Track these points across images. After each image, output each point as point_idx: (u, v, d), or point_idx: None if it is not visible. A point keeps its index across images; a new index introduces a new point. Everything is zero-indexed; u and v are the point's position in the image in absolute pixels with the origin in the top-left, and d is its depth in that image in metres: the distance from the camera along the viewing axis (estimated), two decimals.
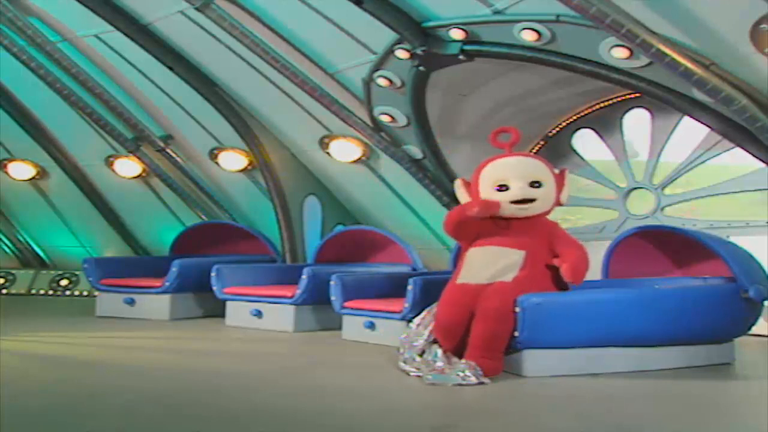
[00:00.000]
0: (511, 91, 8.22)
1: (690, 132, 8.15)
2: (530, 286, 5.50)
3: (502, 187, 5.74)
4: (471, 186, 5.96)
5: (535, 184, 5.75)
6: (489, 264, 5.63)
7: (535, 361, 5.33)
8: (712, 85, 6.12)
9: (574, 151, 9.06)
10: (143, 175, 10.96)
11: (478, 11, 6.85)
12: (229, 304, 8.22)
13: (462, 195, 6.03)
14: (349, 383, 5.13)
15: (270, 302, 7.90)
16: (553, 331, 5.34)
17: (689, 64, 6.06)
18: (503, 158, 5.89)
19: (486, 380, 5.10)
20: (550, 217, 6.00)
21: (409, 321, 6.05)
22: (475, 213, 5.69)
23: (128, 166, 10.93)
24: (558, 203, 5.91)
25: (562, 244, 5.78)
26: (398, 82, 7.96)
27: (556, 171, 5.97)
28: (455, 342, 5.46)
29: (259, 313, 7.94)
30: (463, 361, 5.25)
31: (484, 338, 5.30)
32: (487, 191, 5.81)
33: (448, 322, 5.51)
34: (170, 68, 9.00)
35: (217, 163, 10.35)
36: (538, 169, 5.86)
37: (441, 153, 8.73)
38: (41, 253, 12.37)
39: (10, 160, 11.52)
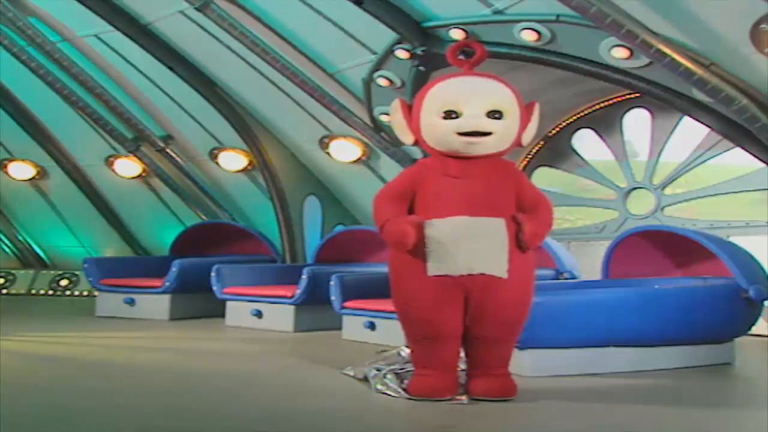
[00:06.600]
0: None
1: (690, 132, 8.16)
2: (523, 270, 4.51)
3: (450, 114, 4.47)
4: (412, 111, 4.66)
5: (495, 115, 4.47)
6: (467, 243, 4.37)
7: (535, 361, 5.32)
8: (712, 85, 6.12)
9: (574, 151, 9.05)
10: (143, 175, 10.95)
11: (478, 11, 6.86)
12: (229, 304, 8.21)
13: (398, 122, 4.72)
14: (349, 383, 5.12)
15: (270, 302, 7.89)
16: (553, 331, 5.33)
17: (689, 64, 6.06)
18: (456, 77, 4.67)
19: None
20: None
21: None
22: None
23: (128, 166, 10.93)
24: (518, 143, 4.65)
25: (531, 204, 4.61)
26: (398, 82, 7.95)
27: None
28: (458, 347, 4.63)
29: (259, 313, 7.93)
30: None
31: (508, 358, 4.70)
32: (431, 119, 4.54)
33: (448, 329, 4.50)
34: (170, 68, 9.01)
35: (217, 163, 10.35)
36: (502, 95, 4.55)
37: None
38: (41, 253, 12.35)
39: (10, 160, 11.50)
